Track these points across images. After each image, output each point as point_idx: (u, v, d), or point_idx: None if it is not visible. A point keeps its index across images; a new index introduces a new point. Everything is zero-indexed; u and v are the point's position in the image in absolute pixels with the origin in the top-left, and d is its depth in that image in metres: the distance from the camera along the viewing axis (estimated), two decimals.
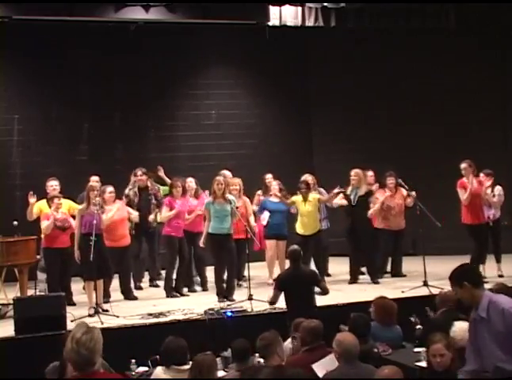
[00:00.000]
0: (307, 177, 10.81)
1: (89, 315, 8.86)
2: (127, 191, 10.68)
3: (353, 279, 10.73)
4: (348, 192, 10.70)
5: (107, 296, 9.84)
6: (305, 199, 10.59)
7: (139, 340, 7.99)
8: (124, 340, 7.96)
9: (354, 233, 10.68)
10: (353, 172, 10.72)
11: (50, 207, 9.78)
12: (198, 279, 10.76)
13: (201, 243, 9.99)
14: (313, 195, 10.67)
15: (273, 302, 8.32)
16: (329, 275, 11.34)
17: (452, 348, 5.81)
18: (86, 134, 12.89)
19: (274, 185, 10.82)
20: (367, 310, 7.34)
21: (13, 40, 11.81)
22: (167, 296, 10.10)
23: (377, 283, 10.63)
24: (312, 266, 10.39)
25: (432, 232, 10.71)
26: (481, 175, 10.81)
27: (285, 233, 10.71)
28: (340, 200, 10.83)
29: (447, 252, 11.64)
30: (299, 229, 10.68)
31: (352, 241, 10.76)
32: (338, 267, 11.68)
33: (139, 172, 10.77)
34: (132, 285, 10.53)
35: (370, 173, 11.16)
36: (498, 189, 10.82)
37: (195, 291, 10.50)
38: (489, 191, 10.76)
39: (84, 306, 9.28)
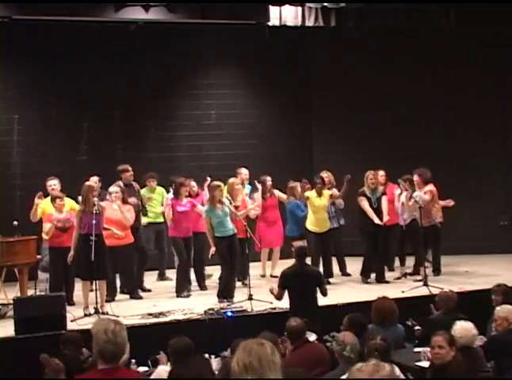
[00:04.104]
0: (323, 174, 10.95)
1: (85, 315, 8.87)
2: (111, 188, 10.61)
3: (366, 279, 10.58)
4: (368, 195, 10.59)
5: (112, 295, 9.87)
6: (319, 194, 10.67)
7: (139, 340, 7.97)
8: None
9: (377, 234, 10.51)
10: (371, 175, 10.59)
11: (54, 206, 9.80)
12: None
13: (212, 251, 9.92)
14: (326, 191, 10.77)
15: (278, 298, 8.32)
16: (349, 275, 11.22)
17: (455, 346, 5.82)
18: (86, 134, 12.88)
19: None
20: (366, 310, 7.35)
21: (13, 40, 11.80)
22: (178, 296, 10.08)
23: (386, 282, 10.54)
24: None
25: None
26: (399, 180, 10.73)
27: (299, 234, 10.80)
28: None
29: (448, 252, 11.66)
30: (312, 226, 10.69)
31: (373, 242, 10.54)
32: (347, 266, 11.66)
33: (131, 170, 10.76)
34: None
35: (381, 173, 11.10)
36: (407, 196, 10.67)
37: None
38: (403, 196, 10.64)
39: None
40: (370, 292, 9.50)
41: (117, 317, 8.72)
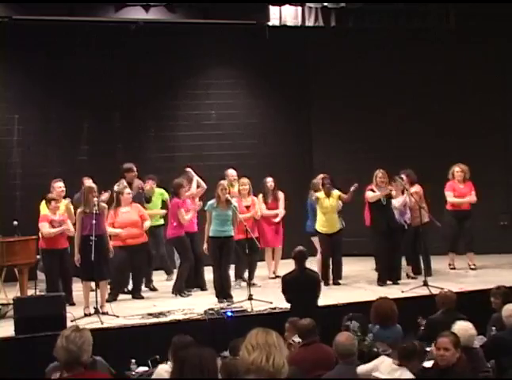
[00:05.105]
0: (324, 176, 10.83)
1: (85, 315, 8.87)
2: (116, 187, 10.56)
3: (384, 281, 10.37)
4: (378, 192, 10.44)
5: (114, 295, 9.92)
6: (328, 195, 10.61)
7: (139, 340, 7.99)
8: (124, 340, 7.95)
9: (390, 232, 10.41)
10: (381, 173, 10.47)
11: (48, 208, 9.78)
12: None
13: (204, 249, 9.99)
14: (334, 192, 10.69)
15: (288, 300, 8.36)
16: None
17: (460, 348, 5.80)
18: (86, 134, 12.88)
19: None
20: (366, 310, 7.34)
21: (13, 40, 11.80)
22: (177, 294, 10.09)
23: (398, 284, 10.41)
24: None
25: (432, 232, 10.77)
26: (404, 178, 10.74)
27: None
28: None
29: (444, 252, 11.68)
30: (322, 227, 10.64)
31: (385, 240, 10.41)
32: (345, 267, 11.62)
33: (135, 168, 10.82)
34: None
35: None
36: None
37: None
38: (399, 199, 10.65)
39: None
40: (370, 292, 9.51)
41: (117, 317, 8.76)
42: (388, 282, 10.38)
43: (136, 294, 10.15)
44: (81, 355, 4.12)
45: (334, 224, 10.68)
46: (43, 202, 10.09)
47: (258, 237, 10.77)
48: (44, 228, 9.67)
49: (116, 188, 10.47)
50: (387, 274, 10.43)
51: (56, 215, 9.76)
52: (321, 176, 10.92)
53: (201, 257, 10.49)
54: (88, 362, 4.28)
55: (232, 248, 9.95)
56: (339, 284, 10.53)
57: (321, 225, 10.68)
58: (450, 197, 11.25)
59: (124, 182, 10.61)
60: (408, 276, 10.72)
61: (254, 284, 10.28)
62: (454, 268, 11.32)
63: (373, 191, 10.51)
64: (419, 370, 5.84)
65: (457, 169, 11.28)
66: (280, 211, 11.27)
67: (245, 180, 10.85)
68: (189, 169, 10.91)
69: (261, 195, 11.26)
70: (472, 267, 11.28)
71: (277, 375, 3.42)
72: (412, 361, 5.71)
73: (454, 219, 11.22)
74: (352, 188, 10.53)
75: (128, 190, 10.13)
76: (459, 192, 11.29)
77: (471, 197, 11.26)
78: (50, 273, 9.72)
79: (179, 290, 10.14)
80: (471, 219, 11.31)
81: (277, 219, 11.27)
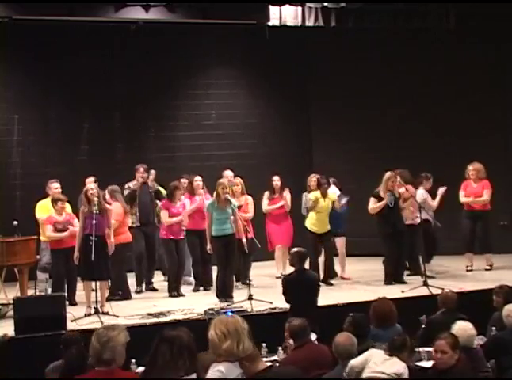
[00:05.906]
0: (314, 177, 10.83)
1: (86, 315, 8.87)
2: (127, 185, 10.70)
3: (390, 281, 10.33)
4: (383, 195, 10.34)
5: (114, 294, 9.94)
6: (324, 195, 10.64)
7: (139, 340, 7.96)
8: None
9: (397, 234, 10.35)
10: (391, 176, 10.37)
11: (54, 209, 9.80)
12: (191, 279, 10.81)
13: (209, 249, 9.99)
14: (331, 194, 10.72)
15: (288, 301, 8.35)
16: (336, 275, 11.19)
17: (459, 349, 5.79)
18: (86, 134, 12.90)
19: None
20: (367, 310, 7.33)
21: (13, 40, 11.81)
22: (170, 295, 10.13)
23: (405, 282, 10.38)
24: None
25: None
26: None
27: (342, 231, 11.03)
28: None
29: (447, 252, 11.67)
30: (313, 226, 10.65)
31: (393, 242, 10.35)
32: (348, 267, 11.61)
33: (142, 169, 10.82)
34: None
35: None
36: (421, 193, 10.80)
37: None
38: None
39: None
40: (370, 292, 9.50)
41: (117, 317, 8.76)
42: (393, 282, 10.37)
43: (124, 295, 10.12)
44: (103, 352, 4.07)
45: (325, 224, 10.70)
46: (40, 204, 10.11)
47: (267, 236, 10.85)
48: (47, 231, 9.74)
49: (127, 185, 10.63)
50: (395, 275, 10.41)
51: (62, 216, 9.78)
52: (314, 175, 10.90)
53: (209, 257, 10.46)
54: (119, 362, 4.23)
55: (236, 246, 9.95)
56: (332, 284, 10.50)
57: (312, 223, 10.68)
58: (461, 197, 11.26)
59: (135, 182, 10.70)
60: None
61: (250, 284, 10.29)
62: (471, 270, 11.19)
63: (378, 197, 10.44)
64: (414, 369, 5.83)
65: (470, 168, 11.28)
66: (287, 203, 11.16)
67: (237, 180, 10.81)
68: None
69: (266, 193, 11.23)
70: (487, 267, 11.22)
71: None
72: (402, 353, 5.68)
73: (468, 220, 11.22)
74: (342, 202, 10.70)
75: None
76: (470, 192, 11.27)
77: (483, 198, 11.18)
78: (56, 272, 9.75)
79: (170, 290, 10.19)
80: (485, 220, 11.27)
81: (282, 203, 11.15)
